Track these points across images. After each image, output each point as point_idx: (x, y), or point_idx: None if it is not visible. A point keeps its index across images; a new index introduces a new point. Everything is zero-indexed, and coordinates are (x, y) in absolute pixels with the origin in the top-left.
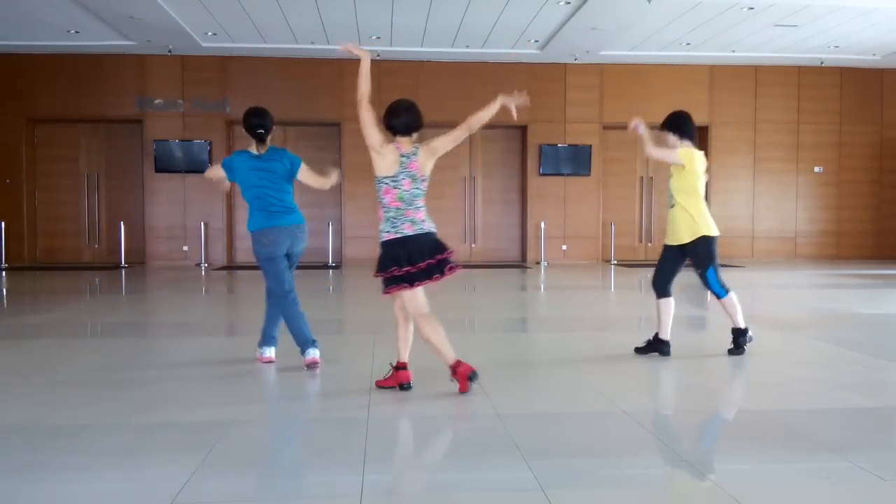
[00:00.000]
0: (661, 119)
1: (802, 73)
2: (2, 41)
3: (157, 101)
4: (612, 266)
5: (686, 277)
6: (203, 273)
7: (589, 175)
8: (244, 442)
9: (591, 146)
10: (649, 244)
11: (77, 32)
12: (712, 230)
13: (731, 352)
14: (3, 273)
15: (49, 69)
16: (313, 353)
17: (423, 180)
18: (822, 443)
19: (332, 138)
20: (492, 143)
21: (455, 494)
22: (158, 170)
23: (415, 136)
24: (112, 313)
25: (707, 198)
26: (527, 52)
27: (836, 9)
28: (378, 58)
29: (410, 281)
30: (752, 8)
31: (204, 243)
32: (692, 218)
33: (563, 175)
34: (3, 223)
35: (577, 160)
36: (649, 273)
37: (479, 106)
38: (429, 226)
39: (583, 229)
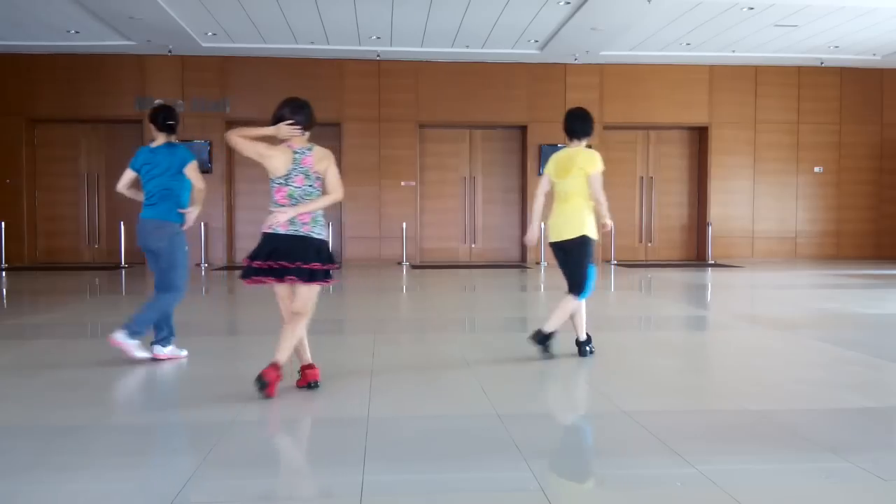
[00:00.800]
0: (661, 119)
1: (802, 73)
2: (1, 41)
3: (157, 102)
4: (612, 266)
5: (685, 278)
6: (203, 273)
7: None
8: (244, 442)
9: (591, 146)
10: (649, 244)
11: (77, 32)
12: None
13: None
14: (3, 273)
15: (49, 69)
16: (158, 350)
17: (318, 178)
18: (822, 443)
19: (333, 138)
20: (492, 143)
21: (455, 494)
22: None
23: (307, 134)
24: (112, 313)
25: (706, 197)
26: (527, 52)
27: (836, 9)
28: (378, 58)
29: (276, 276)
30: (752, 8)
31: (204, 243)
32: None
33: None
34: (3, 223)
35: None
36: (649, 273)
37: (479, 105)
38: (309, 229)
39: None
